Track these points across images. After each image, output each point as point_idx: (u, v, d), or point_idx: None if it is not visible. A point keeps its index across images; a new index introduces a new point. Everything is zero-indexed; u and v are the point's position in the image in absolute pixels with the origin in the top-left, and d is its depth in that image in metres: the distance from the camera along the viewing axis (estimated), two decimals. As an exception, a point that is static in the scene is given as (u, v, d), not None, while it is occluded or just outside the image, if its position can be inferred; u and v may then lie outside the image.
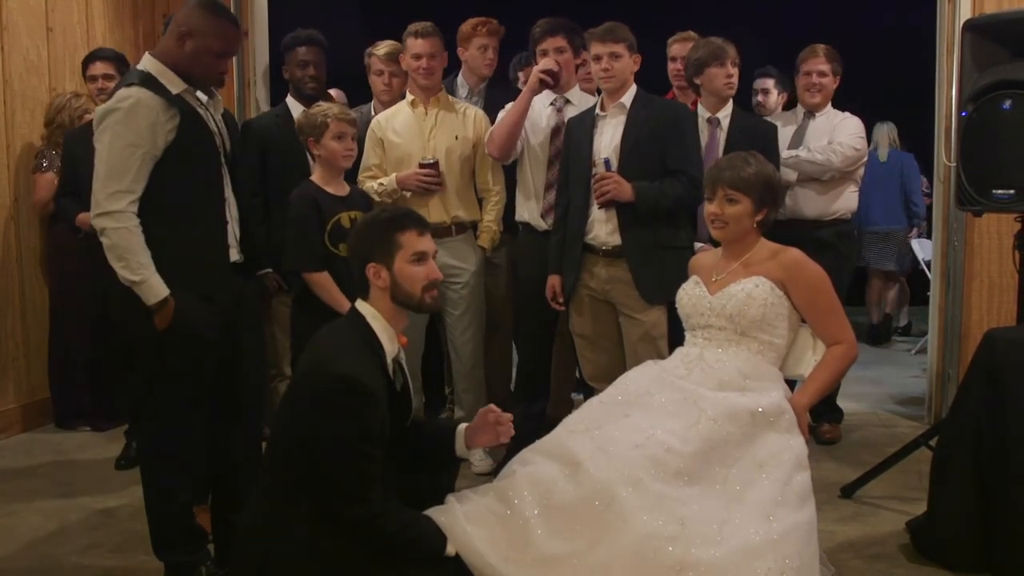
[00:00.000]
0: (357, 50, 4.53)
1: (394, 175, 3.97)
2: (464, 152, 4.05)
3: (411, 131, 4.03)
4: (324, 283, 3.35)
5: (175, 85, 2.80)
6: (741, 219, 2.89)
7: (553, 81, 3.85)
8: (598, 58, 3.62)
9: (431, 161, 3.91)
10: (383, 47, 4.34)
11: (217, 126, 2.92)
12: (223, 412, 2.96)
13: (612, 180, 3.51)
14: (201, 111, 2.87)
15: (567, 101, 3.97)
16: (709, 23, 4.46)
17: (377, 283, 2.54)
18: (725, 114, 3.95)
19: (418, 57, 4.00)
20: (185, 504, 2.91)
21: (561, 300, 3.75)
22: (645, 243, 3.56)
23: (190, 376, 2.82)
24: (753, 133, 3.91)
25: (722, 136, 3.92)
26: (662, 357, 3.23)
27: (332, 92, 4.77)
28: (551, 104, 3.99)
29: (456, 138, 4.03)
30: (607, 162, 3.57)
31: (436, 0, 5.09)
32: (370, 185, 3.98)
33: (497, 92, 4.31)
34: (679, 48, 4.35)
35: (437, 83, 4.09)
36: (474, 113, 4.12)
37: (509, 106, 3.96)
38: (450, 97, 4.15)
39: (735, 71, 3.91)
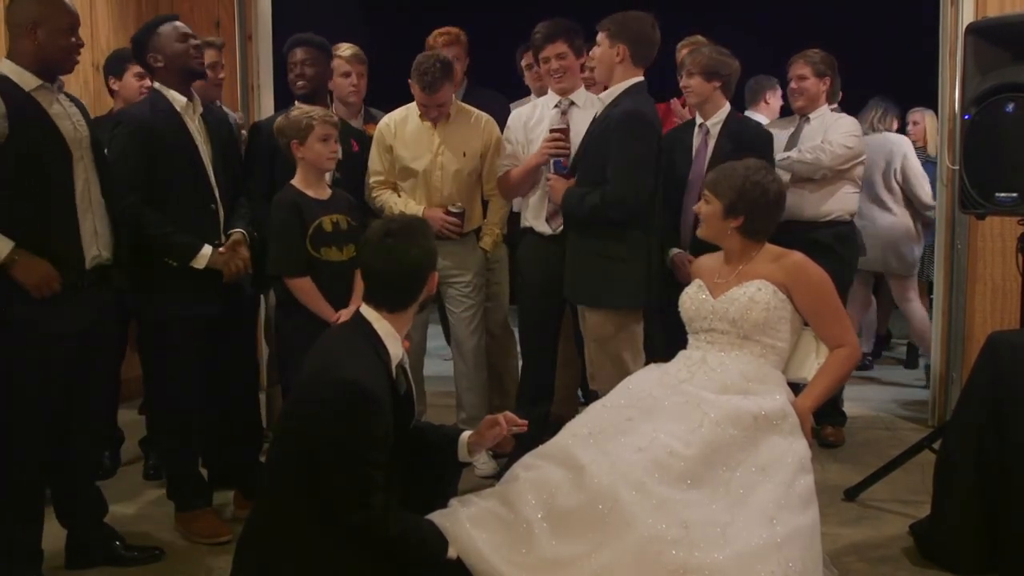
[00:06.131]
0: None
1: (422, 208, 3.90)
2: (472, 167, 4.02)
3: (420, 145, 3.96)
4: (306, 288, 3.31)
5: (28, 83, 2.85)
6: (710, 219, 2.98)
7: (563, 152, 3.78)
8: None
9: (459, 211, 3.92)
10: (346, 48, 4.16)
11: (74, 121, 2.94)
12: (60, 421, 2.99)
13: (549, 182, 3.63)
14: (55, 107, 2.89)
15: (572, 103, 3.92)
16: (712, 26, 4.47)
17: (429, 291, 2.61)
18: (716, 120, 3.90)
19: (426, 107, 3.92)
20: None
21: None
22: (578, 245, 3.56)
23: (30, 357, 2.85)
24: (741, 139, 3.85)
25: (711, 142, 3.90)
26: (622, 364, 3.38)
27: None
28: (556, 106, 3.94)
29: (464, 155, 3.98)
30: (557, 163, 3.65)
31: (437, 5, 5.09)
32: (387, 199, 3.95)
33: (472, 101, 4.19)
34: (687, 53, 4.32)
35: None
36: (484, 120, 4.07)
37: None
38: (460, 103, 4.09)
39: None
